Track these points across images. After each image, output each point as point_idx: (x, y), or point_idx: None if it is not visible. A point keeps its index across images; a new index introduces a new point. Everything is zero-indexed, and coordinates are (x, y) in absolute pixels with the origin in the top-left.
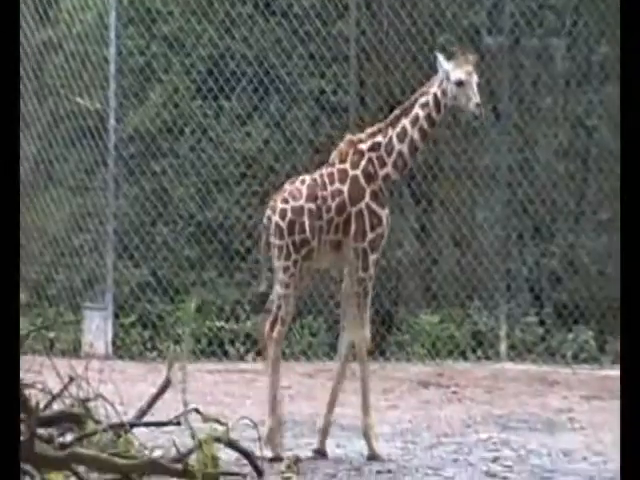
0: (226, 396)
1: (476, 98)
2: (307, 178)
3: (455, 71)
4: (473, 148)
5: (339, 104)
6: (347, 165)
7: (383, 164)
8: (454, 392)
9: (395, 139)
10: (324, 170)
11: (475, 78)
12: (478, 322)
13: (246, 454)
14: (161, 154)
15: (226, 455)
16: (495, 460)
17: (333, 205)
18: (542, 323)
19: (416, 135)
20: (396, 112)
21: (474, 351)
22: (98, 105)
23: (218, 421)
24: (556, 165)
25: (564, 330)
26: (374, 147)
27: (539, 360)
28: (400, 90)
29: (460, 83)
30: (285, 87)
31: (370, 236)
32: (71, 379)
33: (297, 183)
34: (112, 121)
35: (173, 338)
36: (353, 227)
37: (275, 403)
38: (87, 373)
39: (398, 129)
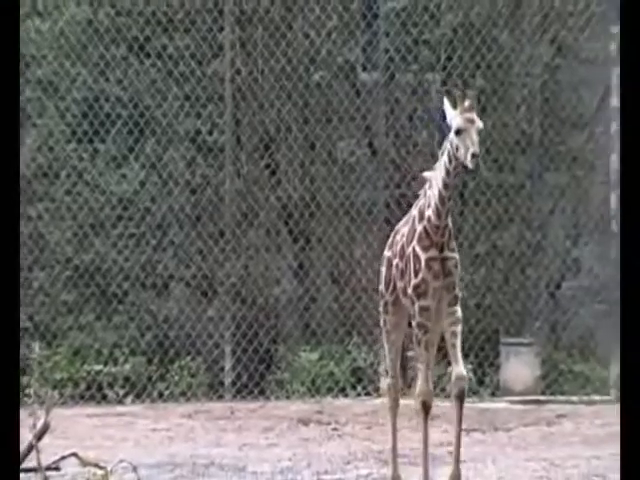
0: (105, 440)
1: (473, 148)
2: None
3: (456, 119)
4: (350, 184)
5: (215, 144)
6: (414, 205)
7: (429, 205)
8: (334, 429)
9: (434, 182)
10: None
11: (477, 125)
12: (357, 358)
13: None
14: (37, 198)
15: None
16: None
17: (398, 249)
18: None
19: (440, 182)
20: (440, 150)
21: (354, 387)
22: None
23: (97, 465)
24: None
25: (444, 363)
26: (431, 186)
27: None
28: (276, 128)
29: (458, 132)
30: (161, 128)
31: (414, 282)
32: None
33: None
34: None
35: (51, 383)
36: (406, 272)
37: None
38: None
39: (436, 172)
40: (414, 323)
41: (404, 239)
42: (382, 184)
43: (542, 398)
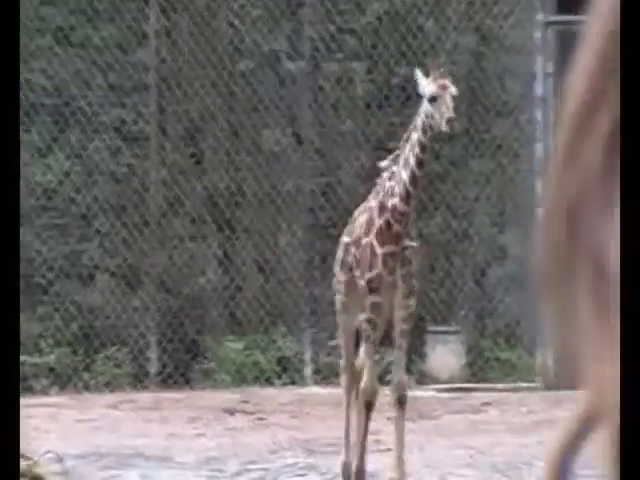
0: (31, 431)
1: (448, 112)
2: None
3: (429, 86)
4: (275, 174)
5: (140, 133)
6: (372, 195)
7: (393, 194)
8: (260, 418)
9: (401, 165)
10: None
11: (451, 91)
12: (283, 347)
13: None
14: None
15: None
16: None
17: (354, 238)
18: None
19: (412, 161)
20: (406, 134)
21: (279, 377)
22: None
23: (23, 456)
24: (359, 188)
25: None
26: (391, 176)
27: None
28: (201, 118)
29: (433, 99)
30: (85, 118)
31: (367, 276)
32: None
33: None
34: None
35: None
36: (361, 264)
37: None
38: None
39: (404, 154)
40: (364, 317)
41: (361, 230)
42: (307, 173)
43: (468, 386)
